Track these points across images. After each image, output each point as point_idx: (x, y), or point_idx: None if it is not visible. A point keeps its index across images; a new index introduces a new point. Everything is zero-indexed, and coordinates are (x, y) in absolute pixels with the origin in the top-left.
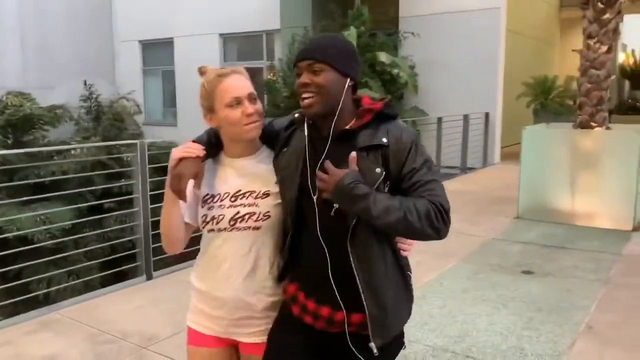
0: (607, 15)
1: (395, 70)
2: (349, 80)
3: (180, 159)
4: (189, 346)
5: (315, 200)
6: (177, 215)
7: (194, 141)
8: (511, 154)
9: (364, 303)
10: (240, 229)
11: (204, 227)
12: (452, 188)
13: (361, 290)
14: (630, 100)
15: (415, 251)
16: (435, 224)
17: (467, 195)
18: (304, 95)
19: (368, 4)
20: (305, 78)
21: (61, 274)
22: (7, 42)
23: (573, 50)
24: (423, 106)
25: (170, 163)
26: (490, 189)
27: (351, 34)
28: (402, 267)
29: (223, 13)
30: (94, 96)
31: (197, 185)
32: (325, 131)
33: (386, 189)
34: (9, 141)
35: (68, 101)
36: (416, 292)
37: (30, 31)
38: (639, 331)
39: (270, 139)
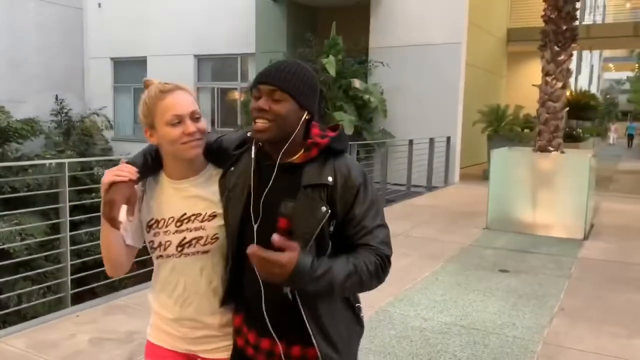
0: (562, 57)
1: (367, 96)
2: (306, 113)
3: (112, 184)
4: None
5: (255, 230)
6: (115, 240)
7: (127, 162)
8: (468, 175)
9: (314, 341)
10: (189, 255)
11: (152, 253)
12: (423, 203)
13: (309, 328)
14: (567, 129)
15: (402, 255)
16: (381, 276)
17: (437, 209)
18: (258, 120)
19: (342, 34)
20: (263, 103)
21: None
22: None
23: (533, 85)
24: (390, 129)
25: (102, 188)
26: (456, 205)
27: (329, 62)
28: (348, 299)
29: (198, 35)
30: (65, 111)
31: (131, 211)
32: (275, 157)
33: (331, 228)
34: None
35: (37, 115)
36: (417, 285)
37: (1, 46)
38: (600, 312)
39: (217, 156)
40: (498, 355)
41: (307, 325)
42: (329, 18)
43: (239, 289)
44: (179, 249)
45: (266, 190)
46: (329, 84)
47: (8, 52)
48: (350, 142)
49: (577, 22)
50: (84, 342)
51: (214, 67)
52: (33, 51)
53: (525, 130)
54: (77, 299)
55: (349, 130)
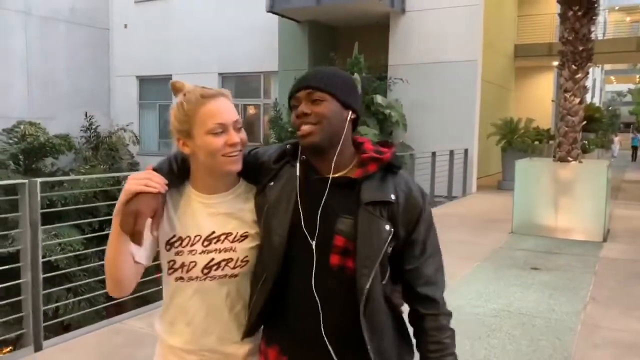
0: (579, 75)
1: (388, 111)
2: (350, 112)
3: (137, 193)
4: None
5: (314, 247)
6: (126, 256)
7: (154, 169)
8: (483, 185)
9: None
10: (215, 278)
11: (170, 274)
12: (447, 211)
13: (370, 351)
14: None
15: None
16: (449, 321)
17: (461, 217)
18: (303, 125)
19: (362, 53)
20: (304, 107)
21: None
22: (15, 76)
23: (552, 101)
24: (409, 142)
25: (122, 196)
26: (479, 212)
27: (356, 79)
28: (404, 323)
29: (222, 54)
30: (93, 127)
31: (155, 226)
32: (323, 169)
33: (389, 250)
34: (20, 168)
35: (67, 131)
36: (461, 280)
37: (35, 66)
38: (627, 301)
39: (251, 170)
40: (545, 332)
41: (372, 356)
42: (350, 37)
43: (271, 321)
44: (205, 271)
45: (321, 205)
46: None
47: (41, 72)
48: None
49: (592, 43)
50: None
51: (238, 84)
52: (63, 70)
53: (535, 142)
54: None
55: None
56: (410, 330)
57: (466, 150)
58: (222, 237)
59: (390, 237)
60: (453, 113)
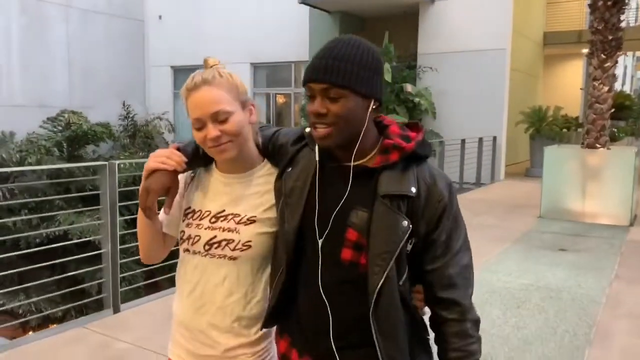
0: (608, 64)
1: (417, 99)
2: (373, 101)
3: (155, 170)
4: None
5: (320, 246)
6: (150, 226)
7: (178, 148)
8: (510, 173)
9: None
10: (215, 256)
11: (181, 244)
12: (476, 197)
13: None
14: None
15: (472, 238)
16: (476, 327)
17: (490, 202)
18: (318, 126)
19: (391, 42)
20: (319, 106)
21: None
22: (56, 66)
23: (581, 89)
24: (438, 130)
25: (144, 172)
26: (507, 198)
27: (385, 69)
28: (424, 328)
29: (254, 44)
30: (131, 116)
31: (169, 203)
32: (341, 157)
33: (409, 247)
34: (64, 155)
35: (105, 120)
36: (492, 259)
37: (75, 57)
38: None
39: (275, 153)
40: (571, 304)
41: (378, 349)
42: (379, 27)
43: (285, 311)
44: (206, 247)
45: (342, 200)
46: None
47: (81, 62)
48: None
49: (621, 32)
50: None
51: (269, 74)
52: (101, 61)
53: (563, 130)
54: None
55: None
56: (431, 336)
57: (494, 138)
58: (229, 217)
59: (408, 234)
60: (482, 101)
